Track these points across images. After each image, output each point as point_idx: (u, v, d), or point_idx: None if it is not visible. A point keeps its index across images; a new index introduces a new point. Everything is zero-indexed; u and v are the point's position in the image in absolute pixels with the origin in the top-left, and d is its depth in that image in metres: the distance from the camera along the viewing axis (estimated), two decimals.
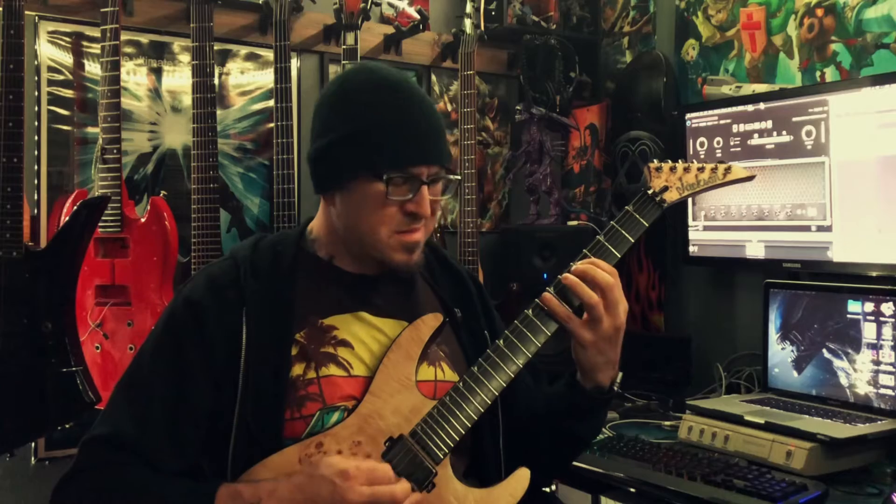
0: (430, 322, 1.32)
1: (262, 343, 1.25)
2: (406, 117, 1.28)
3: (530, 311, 1.30)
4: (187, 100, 2.46)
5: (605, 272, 1.28)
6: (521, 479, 1.29)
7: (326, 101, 1.34)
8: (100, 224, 2.10)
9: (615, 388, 1.36)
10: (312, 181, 1.36)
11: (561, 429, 1.39)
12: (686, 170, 1.40)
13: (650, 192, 1.38)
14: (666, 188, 1.38)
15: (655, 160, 1.44)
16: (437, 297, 1.43)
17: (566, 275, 1.29)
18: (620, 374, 1.36)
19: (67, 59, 2.37)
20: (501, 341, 1.29)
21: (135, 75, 2.47)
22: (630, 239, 1.34)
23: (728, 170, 1.41)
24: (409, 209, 1.28)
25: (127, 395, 1.27)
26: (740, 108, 2.41)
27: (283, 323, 1.27)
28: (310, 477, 1.15)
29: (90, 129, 2.37)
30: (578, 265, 1.30)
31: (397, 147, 1.26)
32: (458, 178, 1.40)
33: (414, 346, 1.29)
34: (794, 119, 2.25)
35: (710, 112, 2.49)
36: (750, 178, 1.43)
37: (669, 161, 1.42)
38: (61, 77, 2.36)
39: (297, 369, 1.25)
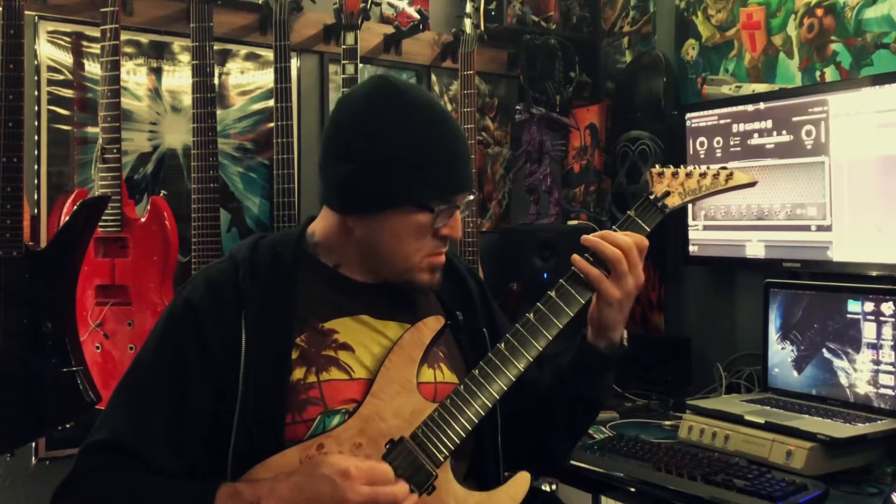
0: (432, 325, 1.32)
1: (262, 346, 1.24)
2: (445, 144, 1.28)
3: (531, 314, 1.30)
4: (187, 100, 2.46)
5: (622, 237, 1.32)
6: (521, 482, 1.29)
7: (351, 120, 1.29)
8: (100, 224, 2.10)
9: (626, 343, 1.39)
10: (333, 199, 1.33)
11: (572, 396, 1.40)
12: (688, 175, 1.41)
13: (652, 196, 1.39)
14: (668, 193, 1.39)
15: (658, 165, 1.44)
16: (437, 298, 1.43)
17: (586, 236, 1.32)
18: (626, 331, 1.39)
19: (67, 59, 2.37)
20: (503, 345, 1.29)
21: (135, 75, 2.47)
22: None
23: (730, 176, 1.41)
24: (443, 233, 1.31)
25: (126, 398, 1.26)
26: (740, 107, 2.41)
27: (284, 326, 1.26)
28: (310, 476, 1.14)
29: (90, 129, 2.37)
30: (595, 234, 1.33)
31: (443, 178, 1.28)
32: (477, 197, 1.44)
33: (416, 349, 1.29)
34: (794, 119, 2.25)
35: (710, 112, 2.49)
36: (752, 185, 1.44)
37: (671, 166, 1.42)
38: (61, 77, 2.36)
39: (298, 373, 1.24)
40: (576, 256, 1.32)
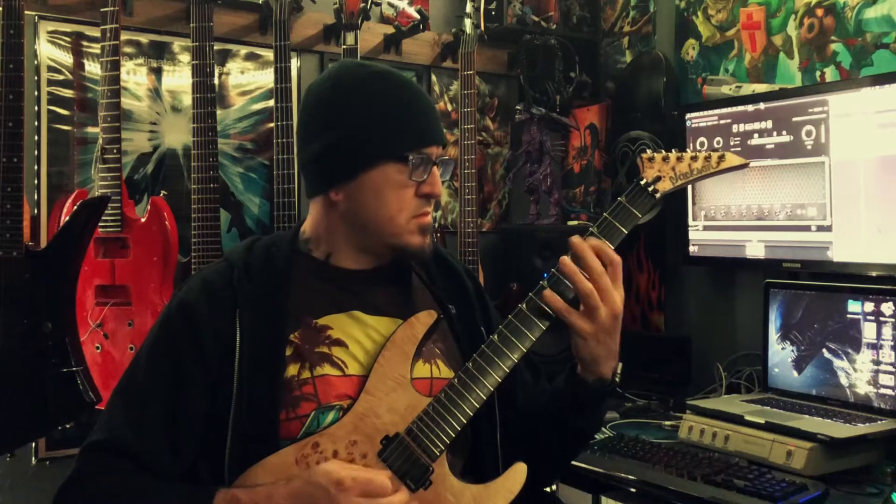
0: (425, 319, 1.32)
1: (256, 344, 1.25)
2: (411, 101, 1.33)
3: (524, 305, 1.29)
4: (187, 100, 2.46)
5: (597, 258, 1.27)
6: (517, 473, 1.29)
7: (321, 100, 1.34)
8: (100, 224, 2.10)
9: (617, 379, 1.34)
10: (315, 181, 1.35)
11: (562, 424, 1.38)
12: (679, 159, 1.37)
13: (643, 182, 1.36)
14: (659, 178, 1.36)
15: (648, 150, 1.42)
16: (431, 294, 1.43)
17: (563, 259, 1.29)
18: (621, 365, 1.34)
19: (67, 59, 2.37)
20: (496, 336, 1.28)
21: (135, 75, 2.47)
22: (623, 230, 1.33)
23: (722, 157, 1.38)
24: (423, 191, 1.31)
25: (124, 399, 1.28)
26: (740, 108, 2.41)
27: (277, 324, 1.27)
28: (306, 484, 1.15)
29: (90, 129, 2.37)
30: (575, 246, 1.28)
31: (415, 128, 1.31)
32: (454, 160, 1.44)
33: (408, 344, 1.29)
34: (794, 119, 2.25)
35: (710, 112, 2.49)
36: (744, 166, 1.41)
37: (662, 150, 1.39)
38: (61, 77, 2.36)
39: (292, 370, 1.25)
40: (548, 291, 1.28)
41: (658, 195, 1.35)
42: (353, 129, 1.30)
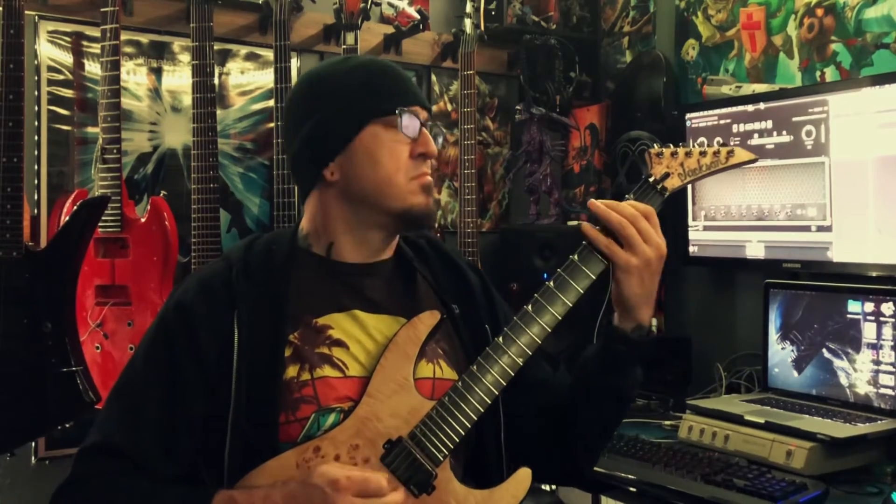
0: (427, 320, 1.30)
1: (254, 345, 1.23)
2: (387, 69, 1.35)
3: (529, 306, 1.28)
4: (187, 100, 2.46)
5: (626, 206, 1.27)
6: (522, 479, 1.27)
7: (299, 96, 1.36)
8: (100, 224, 2.10)
9: (654, 330, 1.32)
10: (306, 169, 1.34)
11: (599, 390, 1.33)
12: (688, 154, 1.33)
13: (651, 179, 1.32)
14: (667, 175, 1.32)
15: (657, 145, 1.40)
16: (434, 292, 1.40)
17: (592, 201, 1.28)
18: (655, 321, 1.33)
19: (67, 58, 2.37)
20: (500, 338, 1.26)
21: (135, 75, 2.47)
22: None
23: (731, 153, 1.34)
24: (418, 150, 1.30)
25: (119, 401, 1.26)
26: (740, 107, 2.41)
27: (276, 324, 1.25)
28: (302, 484, 1.14)
29: (90, 129, 2.37)
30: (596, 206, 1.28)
31: (395, 88, 1.32)
32: (444, 131, 1.47)
33: (411, 346, 1.27)
34: (794, 119, 2.25)
35: (710, 112, 2.49)
36: (753, 161, 1.38)
37: (671, 145, 1.35)
38: (61, 77, 2.36)
39: (291, 371, 1.23)
40: (585, 224, 1.26)
41: (667, 193, 1.32)
42: (334, 105, 1.30)
